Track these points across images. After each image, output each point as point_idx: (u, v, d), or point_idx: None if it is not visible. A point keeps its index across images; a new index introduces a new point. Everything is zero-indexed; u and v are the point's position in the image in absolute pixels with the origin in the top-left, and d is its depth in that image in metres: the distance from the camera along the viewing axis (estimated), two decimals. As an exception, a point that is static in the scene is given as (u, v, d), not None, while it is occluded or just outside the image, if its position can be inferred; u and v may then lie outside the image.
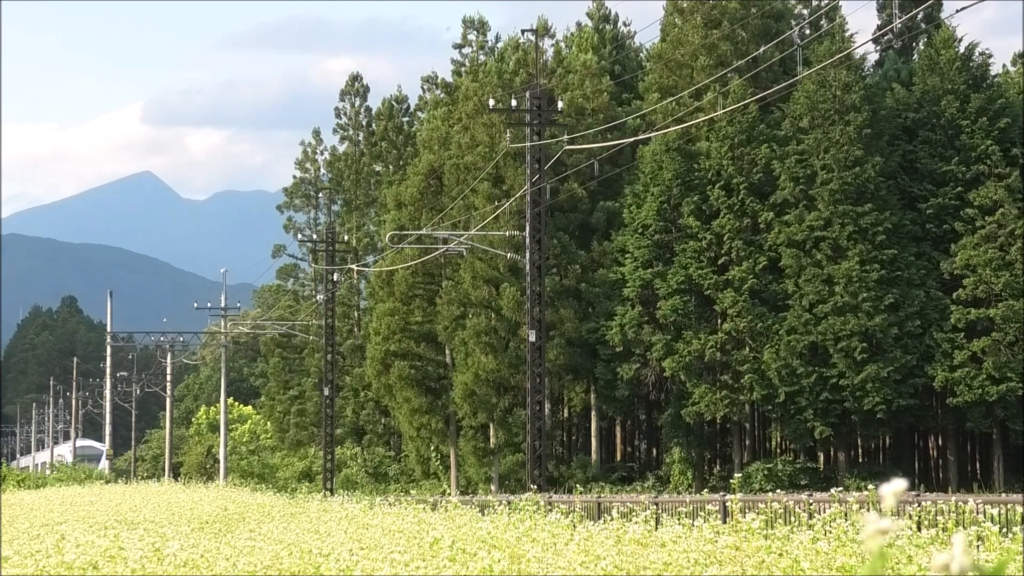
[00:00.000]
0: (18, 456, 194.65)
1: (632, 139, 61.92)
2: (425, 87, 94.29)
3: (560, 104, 57.39)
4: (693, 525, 14.81)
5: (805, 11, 76.41)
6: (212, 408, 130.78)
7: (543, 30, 77.28)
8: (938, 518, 16.56)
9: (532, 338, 49.20)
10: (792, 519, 18.97)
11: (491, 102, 56.35)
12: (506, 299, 70.61)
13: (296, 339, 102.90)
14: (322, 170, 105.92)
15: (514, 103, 53.00)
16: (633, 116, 68.60)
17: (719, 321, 67.57)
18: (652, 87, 72.29)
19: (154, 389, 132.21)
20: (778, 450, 76.83)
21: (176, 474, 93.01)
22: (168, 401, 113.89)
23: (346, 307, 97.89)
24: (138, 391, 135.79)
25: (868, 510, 13.24)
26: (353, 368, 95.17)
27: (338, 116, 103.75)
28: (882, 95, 67.64)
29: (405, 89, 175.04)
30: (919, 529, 14.35)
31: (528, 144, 50.64)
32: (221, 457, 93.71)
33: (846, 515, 14.32)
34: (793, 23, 72.36)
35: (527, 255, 50.31)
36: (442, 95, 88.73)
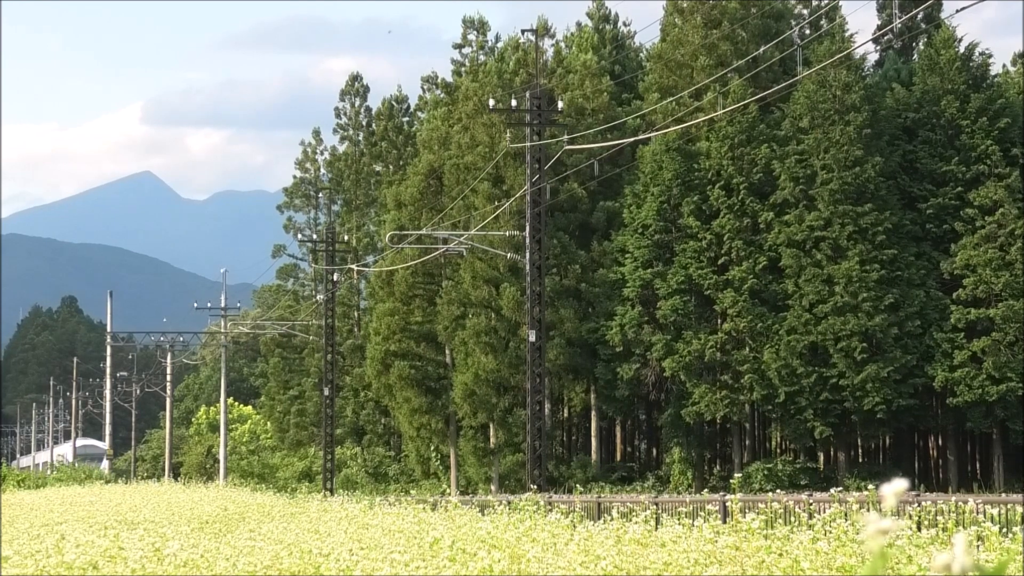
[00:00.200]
0: (18, 456, 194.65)
1: (632, 139, 61.92)
2: (425, 87, 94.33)
3: (560, 104, 57.42)
4: (693, 525, 14.81)
5: (805, 11, 76.41)
6: (212, 408, 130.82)
7: (543, 30, 77.28)
8: (938, 518, 16.56)
9: (532, 338, 49.21)
10: (792, 519, 18.97)
11: (491, 102, 56.36)
12: (506, 299, 70.61)
13: (296, 339, 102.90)
14: (322, 170, 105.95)
15: (514, 103, 53.00)
16: (633, 116, 68.60)
17: (719, 321, 67.57)
18: (652, 87, 72.30)
19: (154, 389, 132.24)
20: (778, 450, 76.83)
21: (176, 474, 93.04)
22: (168, 401, 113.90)
23: (346, 307, 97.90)
24: (138, 391, 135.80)
25: (868, 510, 13.25)
26: (353, 368, 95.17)
27: (338, 116, 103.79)
28: (882, 95, 67.64)
29: (405, 89, 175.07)
30: (919, 529, 14.36)
31: (528, 144, 50.64)
32: (221, 457, 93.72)
33: (846, 515, 14.32)
34: (793, 23, 72.34)
35: (527, 255, 50.31)
36: (442, 95, 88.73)
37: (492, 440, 74.82)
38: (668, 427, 69.52)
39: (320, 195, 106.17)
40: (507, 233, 64.67)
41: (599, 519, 19.44)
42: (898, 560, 11.78)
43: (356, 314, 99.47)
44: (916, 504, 17.70)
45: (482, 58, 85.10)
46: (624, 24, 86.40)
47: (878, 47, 77.55)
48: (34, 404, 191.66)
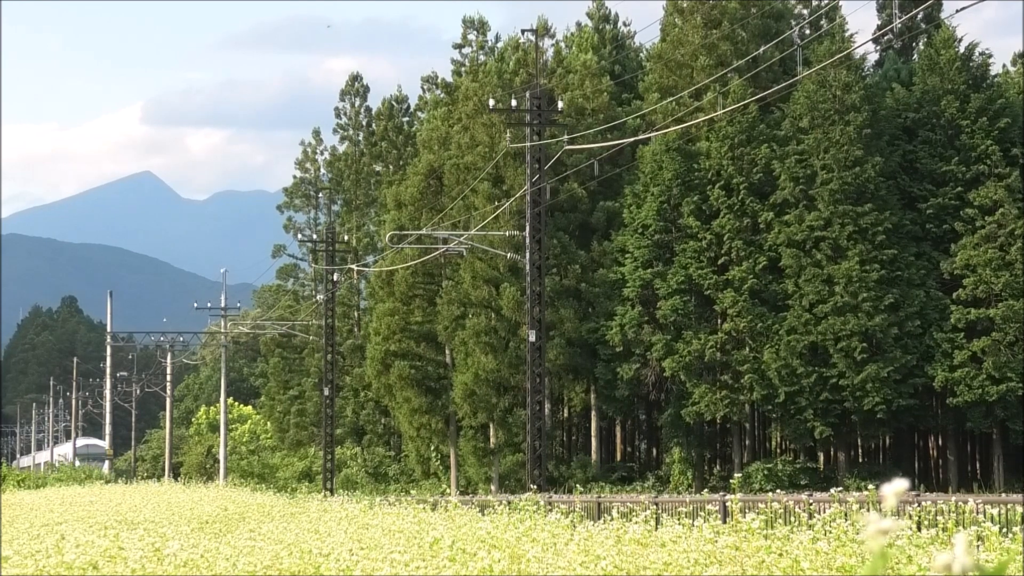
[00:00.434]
0: (18, 456, 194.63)
1: (632, 139, 61.92)
2: (425, 87, 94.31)
3: (560, 104, 57.39)
4: (693, 525, 14.81)
5: (805, 11, 76.41)
6: (212, 408, 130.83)
7: (543, 30, 77.27)
8: (938, 518, 16.56)
9: (532, 338, 49.21)
10: (792, 519, 18.97)
11: (491, 102, 56.34)
12: (506, 299, 70.61)
13: (296, 339, 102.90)
14: (322, 170, 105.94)
15: (514, 103, 53.00)
16: (633, 116, 68.60)
17: (719, 321, 67.57)
18: (652, 87, 72.30)
19: (154, 389, 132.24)
20: (778, 450, 76.83)
21: (176, 474, 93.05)
22: (168, 401, 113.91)
23: (346, 307, 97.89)
24: (138, 391, 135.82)
25: (868, 510, 13.25)
26: (353, 368, 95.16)
27: (338, 116, 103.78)
28: (882, 95, 67.65)
29: (405, 89, 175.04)
30: (919, 529, 14.36)
31: (528, 144, 50.64)
32: (221, 457, 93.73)
33: (846, 515, 14.32)
34: (793, 23, 72.34)
35: (527, 255, 50.31)
36: (442, 95, 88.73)
37: (492, 440, 74.81)
38: (668, 427, 69.51)
39: (320, 195, 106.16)
40: (507, 233, 64.67)
41: (599, 519, 19.44)
42: (898, 560, 11.78)
43: (356, 314, 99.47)
44: (916, 504, 17.70)
45: (482, 58, 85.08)
46: (624, 24, 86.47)
47: (878, 47, 77.57)
48: (34, 404, 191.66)
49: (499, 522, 16.41)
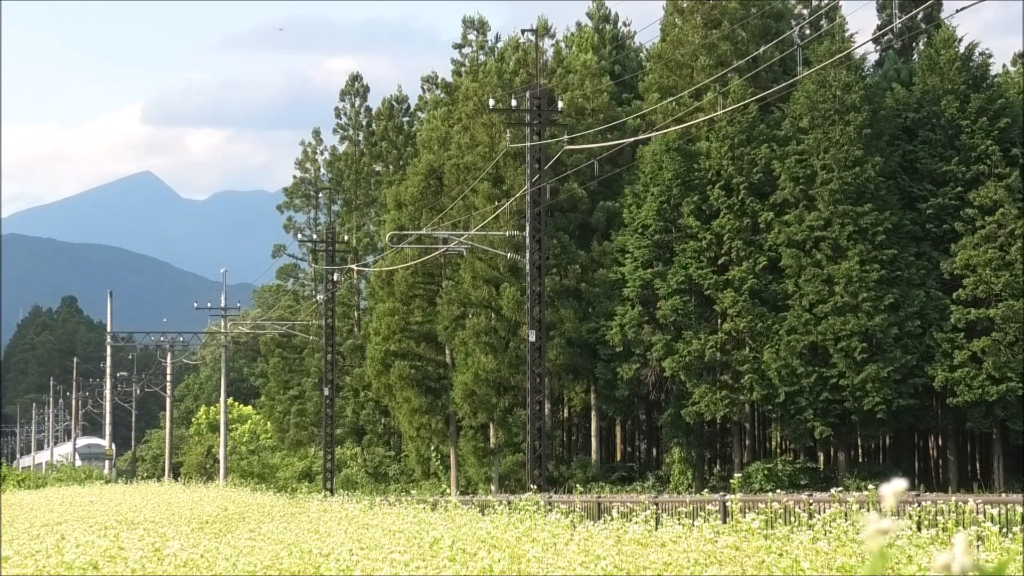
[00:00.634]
0: (18, 456, 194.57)
1: (632, 139, 61.92)
2: (425, 87, 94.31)
3: (560, 104, 57.39)
4: (693, 525, 14.81)
5: (805, 11, 76.41)
6: (212, 408, 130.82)
7: (543, 30, 77.27)
8: (938, 518, 16.56)
9: (532, 338, 49.21)
10: (792, 519, 18.97)
11: (491, 102, 56.34)
12: (506, 299, 70.61)
13: (296, 339, 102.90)
14: (322, 170, 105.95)
15: (514, 103, 53.00)
16: (633, 116, 68.60)
17: (719, 321, 67.57)
18: (652, 87, 72.30)
19: (154, 389, 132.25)
20: (778, 450, 76.84)
21: (176, 474, 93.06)
22: (168, 401, 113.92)
23: (346, 307, 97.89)
24: (138, 391, 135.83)
25: (868, 510, 13.24)
26: (353, 368, 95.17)
27: (338, 116, 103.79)
28: (882, 95, 67.65)
29: (405, 89, 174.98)
30: (919, 529, 14.36)
31: (528, 144, 50.64)
32: (221, 457, 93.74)
33: (846, 515, 14.32)
34: (793, 23, 72.32)
35: (527, 255, 50.31)
36: (442, 95, 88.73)
37: (492, 440, 74.82)
38: (668, 427, 69.51)
39: (320, 195, 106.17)
40: (507, 233, 64.67)
41: (599, 519, 19.44)
42: (898, 560, 11.78)
43: (356, 314, 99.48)
44: (916, 504, 17.70)
45: (482, 58, 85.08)
46: (624, 24, 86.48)
47: (878, 47, 77.57)
48: (34, 404, 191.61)
49: (499, 522, 16.41)
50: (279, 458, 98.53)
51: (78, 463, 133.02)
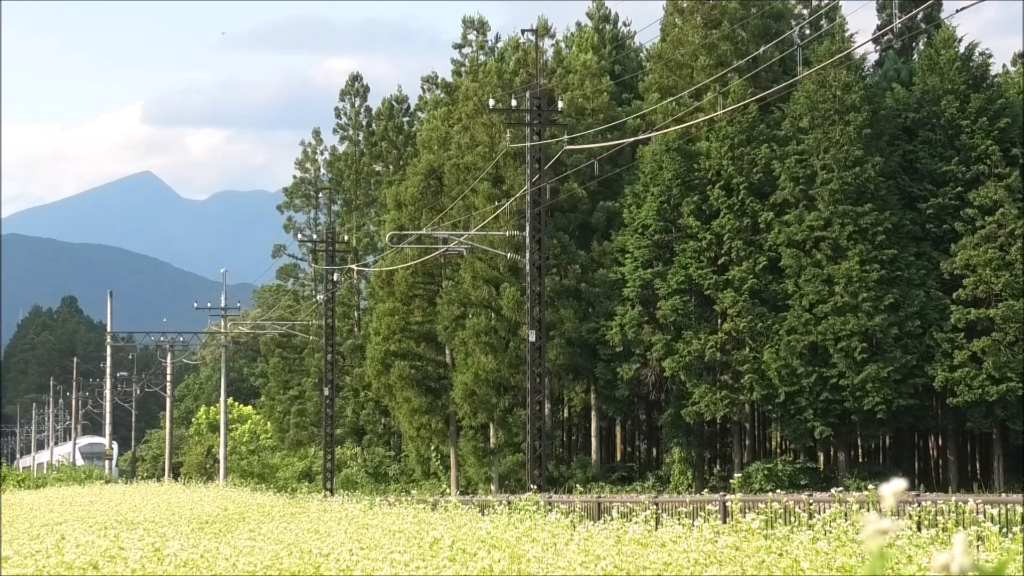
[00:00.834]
0: (18, 456, 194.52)
1: (632, 139, 61.92)
2: (425, 87, 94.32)
3: (560, 104, 57.38)
4: (693, 525, 14.81)
5: (805, 11, 76.41)
6: (212, 408, 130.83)
7: (543, 30, 77.27)
8: (938, 518, 16.56)
9: (532, 338, 49.20)
10: (792, 519, 18.97)
11: (491, 102, 56.33)
12: (506, 299, 70.62)
13: (296, 339, 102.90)
14: (322, 170, 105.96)
15: (514, 103, 52.99)
16: (633, 116, 68.60)
17: (719, 321, 67.57)
18: (652, 87, 72.30)
19: (154, 389, 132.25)
20: (778, 450, 76.83)
21: (176, 474, 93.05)
22: (168, 401, 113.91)
23: (346, 307, 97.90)
24: (138, 391, 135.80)
25: (868, 510, 13.25)
26: (353, 368, 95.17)
27: (338, 116, 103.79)
28: (882, 95, 67.65)
29: (405, 89, 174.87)
30: (919, 529, 14.36)
31: (528, 144, 50.64)
32: (221, 457, 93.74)
33: (846, 515, 14.32)
34: (793, 23, 72.32)
35: (527, 255, 50.31)
36: (442, 95, 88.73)
37: (492, 440, 74.82)
38: (668, 427, 69.51)
39: (320, 195, 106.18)
40: (507, 233, 64.67)
41: (599, 519, 19.44)
42: (898, 560, 11.78)
43: (356, 314, 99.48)
44: (916, 504, 17.70)
45: (482, 58, 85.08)
46: (624, 24, 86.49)
47: (878, 47, 77.57)
48: (34, 404, 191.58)
49: (499, 522, 16.41)
50: (279, 458, 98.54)
51: (80, 462, 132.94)
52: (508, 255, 63.37)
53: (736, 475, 28.43)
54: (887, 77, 70.73)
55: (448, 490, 68.62)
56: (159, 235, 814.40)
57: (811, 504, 21.36)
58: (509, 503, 21.15)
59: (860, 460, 72.55)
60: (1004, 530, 14.12)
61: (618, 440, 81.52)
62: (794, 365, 64.70)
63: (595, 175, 68.06)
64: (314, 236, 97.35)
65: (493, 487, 71.58)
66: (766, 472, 64.95)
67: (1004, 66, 77.15)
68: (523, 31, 68.19)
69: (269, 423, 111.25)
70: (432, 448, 76.26)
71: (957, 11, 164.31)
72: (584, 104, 72.14)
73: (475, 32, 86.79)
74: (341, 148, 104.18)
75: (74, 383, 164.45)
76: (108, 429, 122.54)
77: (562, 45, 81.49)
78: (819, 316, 64.81)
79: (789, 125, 67.53)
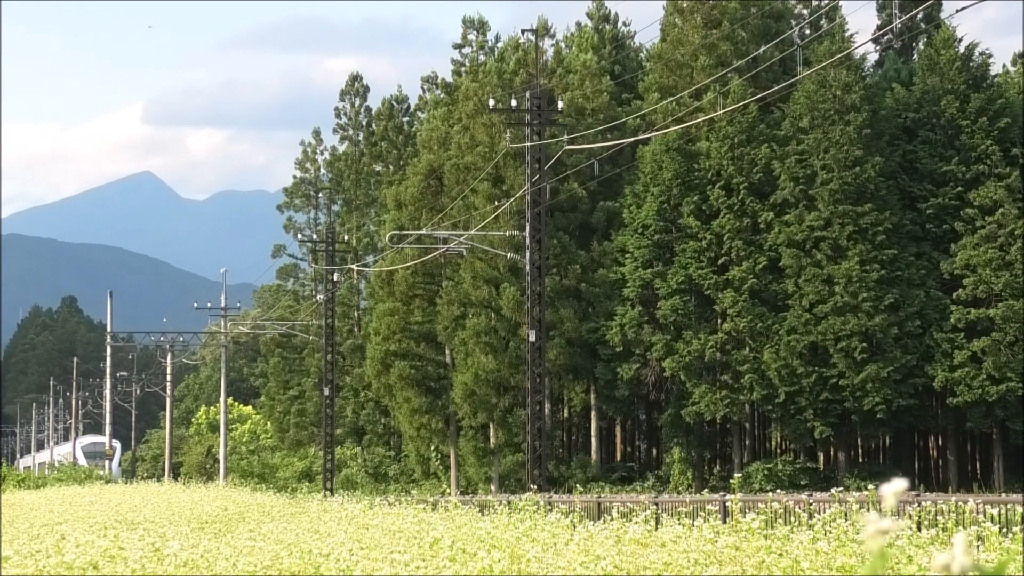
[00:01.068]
0: (18, 456, 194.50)
1: (632, 139, 61.91)
2: (425, 87, 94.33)
3: (560, 104, 57.42)
4: (693, 525, 14.81)
5: (805, 11, 76.42)
6: (212, 408, 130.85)
7: (543, 30, 77.27)
8: (938, 518, 16.56)
9: (532, 338, 49.20)
10: (792, 519, 18.96)
11: (491, 102, 56.33)
12: (506, 299, 70.62)
13: (296, 339, 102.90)
14: (322, 170, 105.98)
15: (514, 103, 52.99)
16: (633, 116, 68.60)
17: (719, 321, 67.58)
18: (652, 87, 72.31)
19: (154, 389, 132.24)
20: (778, 450, 76.84)
21: (176, 474, 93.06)
22: (168, 401, 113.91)
23: (346, 307, 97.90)
24: (138, 391, 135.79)
25: (868, 510, 13.24)
26: (353, 368, 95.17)
27: (338, 116, 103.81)
28: (882, 95, 67.65)
29: (405, 89, 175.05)
30: (919, 529, 14.35)
31: (528, 144, 50.63)
32: (221, 457, 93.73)
33: (846, 515, 14.32)
34: (793, 23, 72.34)
35: (527, 255, 50.31)
36: (442, 95, 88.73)
37: (492, 440, 74.82)
38: (668, 427, 69.52)
39: (320, 195, 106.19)
40: (507, 233, 64.67)
41: (599, 519, 19.44)
42: (898, 560, 11.78)
43: (356, 314, 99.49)
44: (916, 504, 17.70)
45: (482, 58, 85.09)
46: (624, 24, 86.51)
47: (878, 47, 77.58)
48: (34, 404, 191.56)
49: (499, 522, 16.41)
50: (279, 458, 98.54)
51: (82, 462, 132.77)
52: (508, 255, 63.37)
53: (736, 475, 28.42)
54: (887, 77, 70.74)
55: (448, 490, 68.63)
56: (159, 235, 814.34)
57: (811, 504, 21.36)
58: (509, 503, 21.15)
59: (860, 460, 72.55)
60: (1004, 530, 14.12)
61: (618, 440, 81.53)
62: (794, 365, 64.71)
63: (595, 175, 68.06)
64: (314, 236, 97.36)
65: (493, 487, 71.59)
66: (766, 472, 64.95)
67: (1004, 66, 77.23)
68: (523, 31, 68.24)
69: (269, 423, 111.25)
70: (432, 448, 76.25)
71: (957, 11, 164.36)
72: (584, 104, 72.14)
73: (475, 32, 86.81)
74: (341, 148, 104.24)
75: (74, 383, 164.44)
76: (108, 429, 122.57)
77: (562, 45, 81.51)
78: (819, 316, 64.81)
79: (789, 125, 67.54)
